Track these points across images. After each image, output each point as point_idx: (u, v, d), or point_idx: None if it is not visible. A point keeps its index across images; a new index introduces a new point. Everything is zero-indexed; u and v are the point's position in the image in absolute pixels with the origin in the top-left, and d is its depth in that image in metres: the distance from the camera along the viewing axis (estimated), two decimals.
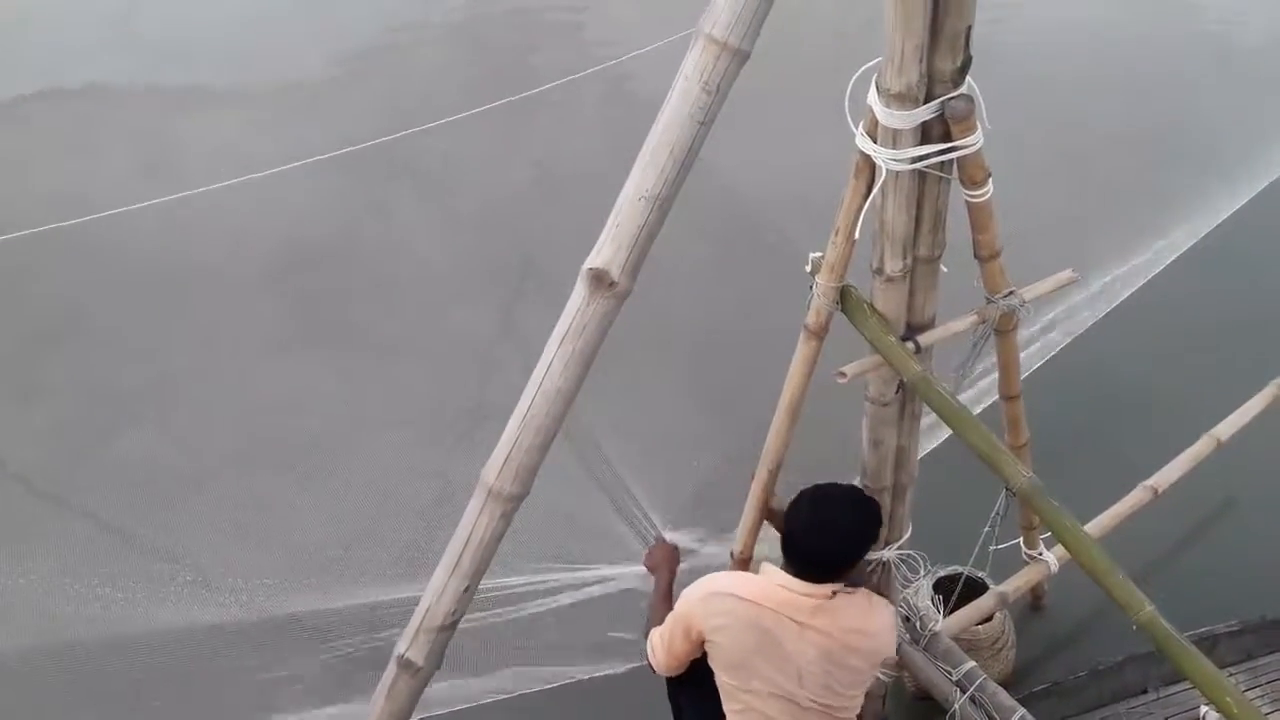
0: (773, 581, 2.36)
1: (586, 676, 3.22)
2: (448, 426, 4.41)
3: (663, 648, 2.51)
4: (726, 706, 2.50)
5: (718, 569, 3.15)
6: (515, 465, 2.18)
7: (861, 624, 2.37)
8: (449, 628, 2.33)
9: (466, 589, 2.28)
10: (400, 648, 2.38)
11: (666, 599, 2.77)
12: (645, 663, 2.71)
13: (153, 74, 7.00)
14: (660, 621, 2.64)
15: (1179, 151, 5.55)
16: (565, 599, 3.14)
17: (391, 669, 2.41)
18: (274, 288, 5.42)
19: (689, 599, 2.44)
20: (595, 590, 3.14)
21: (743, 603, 2.33)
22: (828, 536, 2.32)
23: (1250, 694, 3.51)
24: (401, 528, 3.84)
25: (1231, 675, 3.54)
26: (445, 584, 2.28)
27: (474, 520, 2.22)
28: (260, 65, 7.06)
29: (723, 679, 2.45)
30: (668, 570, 2.85)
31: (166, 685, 3.43)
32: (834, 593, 2.32)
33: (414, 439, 4.41)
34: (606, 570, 3.10)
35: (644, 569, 2.99)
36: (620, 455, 3.09)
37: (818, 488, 2.41)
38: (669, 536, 3.01)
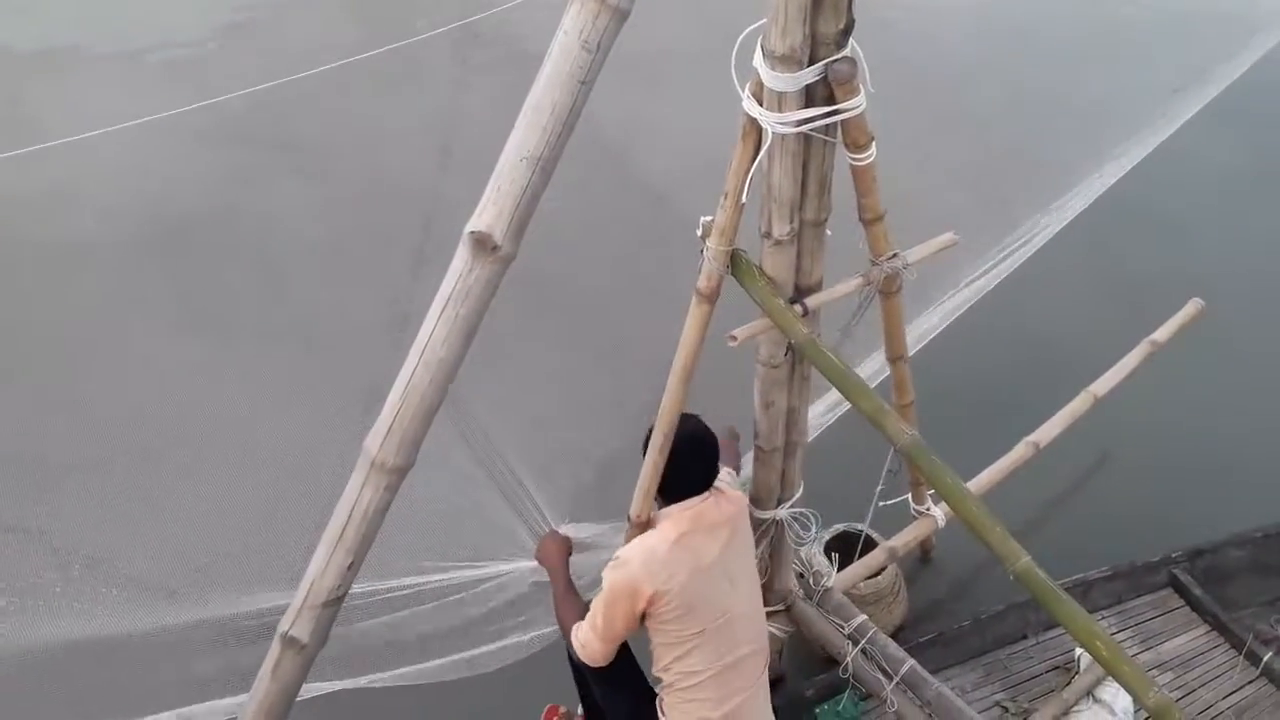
0: (675, 512, 2.59)
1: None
2: (341, 408, 4.22)
3: (598, 635, 2.54)
4: (661, 663, 2.59)
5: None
6: (399, 436, 2.13)
7: (733, 501, 2.71)
8: (334, 603, 2.28)
9: (351, 564, 2.22)
10: (284, 625, 2.31)
11: (571, 590, 2.78)
12: (565, 652, 2.73)
13: (6, 33, 6.55)
14: (575, 613, 2.66)
15: (1064, 120, 5.71)
16: (453, 599, 3.06)
17: (275, 647, 2.34)
18: (148, 263, 5.15)
19: (625, 573, 2.49)
20: (488, 588, 3.07)
21: (674, 546, 2.51)
22: (707, 456, 2.62)
23: (1120, 635, 3.71)
24: (292, 516, 3.64)
25: (1103, 619, 3.74)
26: (328, 559, 2.21)
27: (357, 493, 2.16)
28: (125, 25, 6.65)
29: (667, 630, 2.53)
30: (562, 562, 2.83)
31: (47, 688, 3.23)
32: (708, 495, 2.64)
33: (306, 421, 4.21)
34: (499, 567, 3.03)
35: (535, 564, 2.93)
36: (509, 444, 3.01)
37: (681, 425, 2.62)
38: (561, 529, 2.96)
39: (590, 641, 2.57)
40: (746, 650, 2.63)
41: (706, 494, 2.63)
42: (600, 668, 2.70)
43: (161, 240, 5.29)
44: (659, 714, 2.66)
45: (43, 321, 4.86)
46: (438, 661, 3.03)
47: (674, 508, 2.61)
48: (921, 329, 3.73)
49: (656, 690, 2.70)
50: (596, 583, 2.69)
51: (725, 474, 2.78)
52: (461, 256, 2.03)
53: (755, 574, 2.79)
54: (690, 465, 2.61)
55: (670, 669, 2.59)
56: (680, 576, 2.49)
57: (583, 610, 2.68)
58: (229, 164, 5.71)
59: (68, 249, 5.20)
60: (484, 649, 3.10)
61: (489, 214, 1.98)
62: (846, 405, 3.46)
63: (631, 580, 2.48)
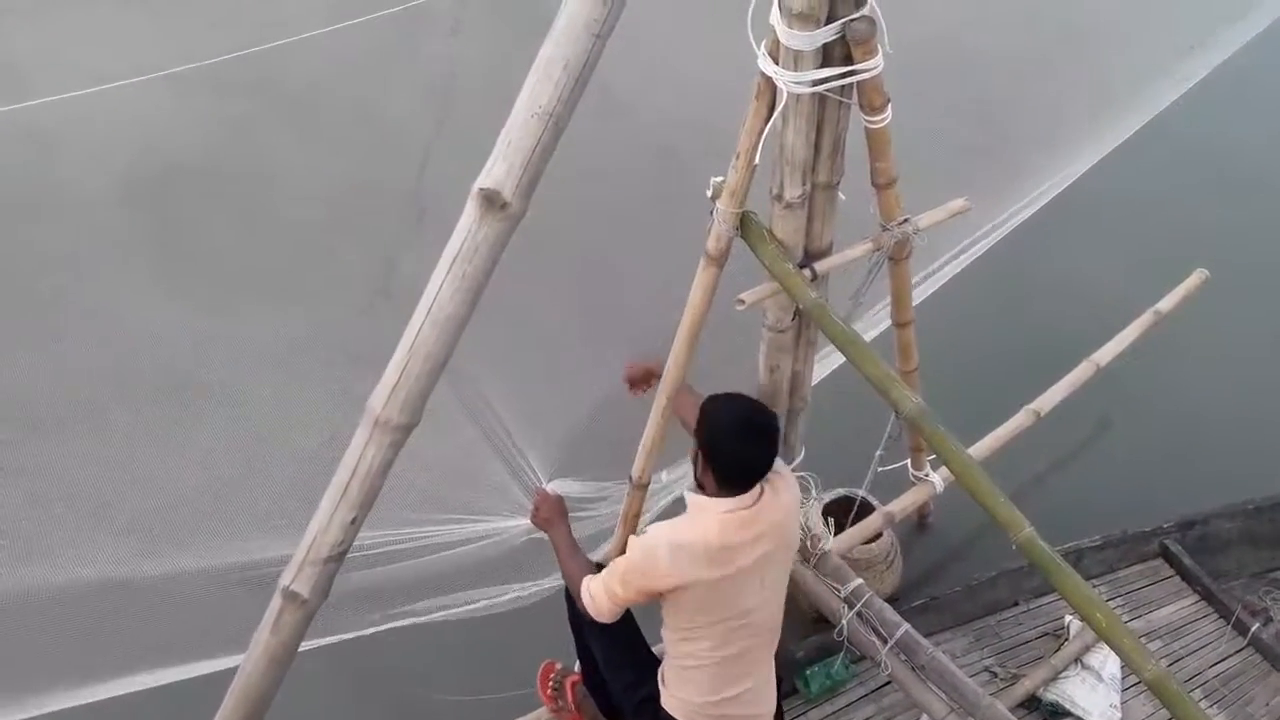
0: (719, 513, 2.36)
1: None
2: (330, 369, 4.15)
3: (609, 597, 2.46)
4: (668, 629, 2.51)
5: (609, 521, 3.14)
6: (404, 393, 2.10)
7: (783, 506, 2.45)
8: (336, 559, 2.27)
9: (354, 520, 2.21)
10: (285, 580, 2.30)
11: (575, 547, 2.71)
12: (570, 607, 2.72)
13: None
14: (581, 570, 2.59)
15: (1075, 82, 5.63)
16: (447, 553, 3.03)
17: (277, 601, 2.33)
18: (134, 215, 5.06)
19: (651, 558, 2.37)
20: (483, 544, 3.05)
21: (711, 551, 2.34)
22: (761, 443, 2.37)
23: (1111, 603, 3.75)
24: (276, 477, 3.45)
25: (1094, 587, 3.76)
26: (331, 515, 2.20)
27: (360, 451, 2.14)
28: None
29: (679, 615, 2.44)
30: (562, 520, 2.76)
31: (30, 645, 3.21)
32: (760, 492, 2.39)
33: (292, 381, 4.11)
34: (497, 523, 3.01)
35: (530, 524, 2.86)
36: (502, 398, 2.96)
37: (730, 402, 2.42)
38: (552, 487, 2.90)
39: (600, 598, 2.48)
40: (756, 642, 2.51)
41: (758, 489, 2.38)
42: (605, 640, 2.70)
43: (143, 193, 5.19)
44: (659, 684, 2.61)
45: (27, 271, 4.80)
46: (433, 608, 3.02)
47: (720, 505, 2.36)
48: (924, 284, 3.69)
49: (662, 656, 2.65)
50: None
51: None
52: (470, 213, 1.99)
53: (787, 575, 2.57)
54: (738, 454, 2.35)
55: (674, 642, 2.52)
56: (707, 576, 2.34)
57: (590, 566, 2.63)
58: (218, 116, 5.60)
59: (51, 198, 5.11)
60: (480, 602, 3.09)
61: (499, 170, 1.94)
62: (831, 368, 3.47)
63: (653, 567, 2.35)
